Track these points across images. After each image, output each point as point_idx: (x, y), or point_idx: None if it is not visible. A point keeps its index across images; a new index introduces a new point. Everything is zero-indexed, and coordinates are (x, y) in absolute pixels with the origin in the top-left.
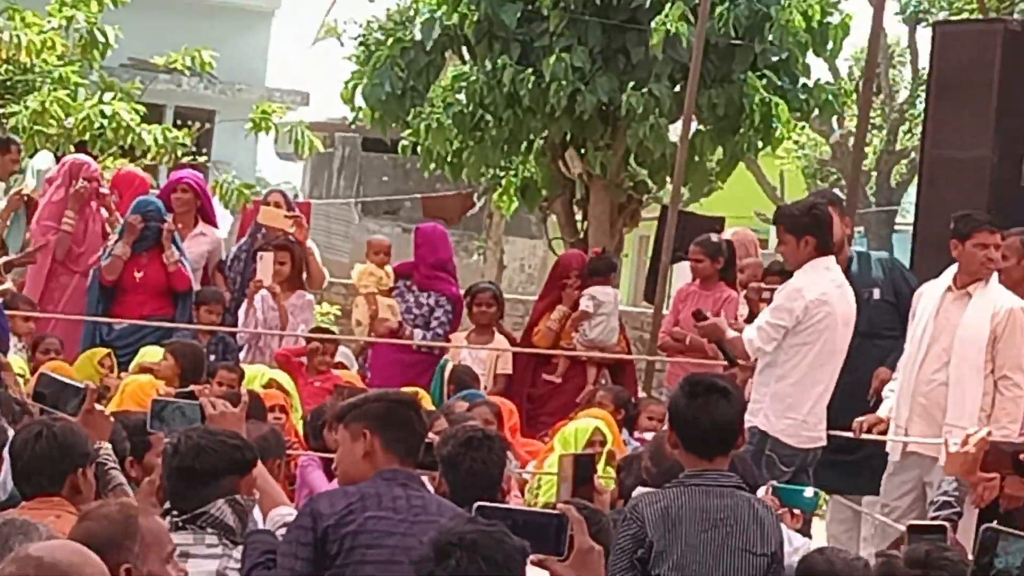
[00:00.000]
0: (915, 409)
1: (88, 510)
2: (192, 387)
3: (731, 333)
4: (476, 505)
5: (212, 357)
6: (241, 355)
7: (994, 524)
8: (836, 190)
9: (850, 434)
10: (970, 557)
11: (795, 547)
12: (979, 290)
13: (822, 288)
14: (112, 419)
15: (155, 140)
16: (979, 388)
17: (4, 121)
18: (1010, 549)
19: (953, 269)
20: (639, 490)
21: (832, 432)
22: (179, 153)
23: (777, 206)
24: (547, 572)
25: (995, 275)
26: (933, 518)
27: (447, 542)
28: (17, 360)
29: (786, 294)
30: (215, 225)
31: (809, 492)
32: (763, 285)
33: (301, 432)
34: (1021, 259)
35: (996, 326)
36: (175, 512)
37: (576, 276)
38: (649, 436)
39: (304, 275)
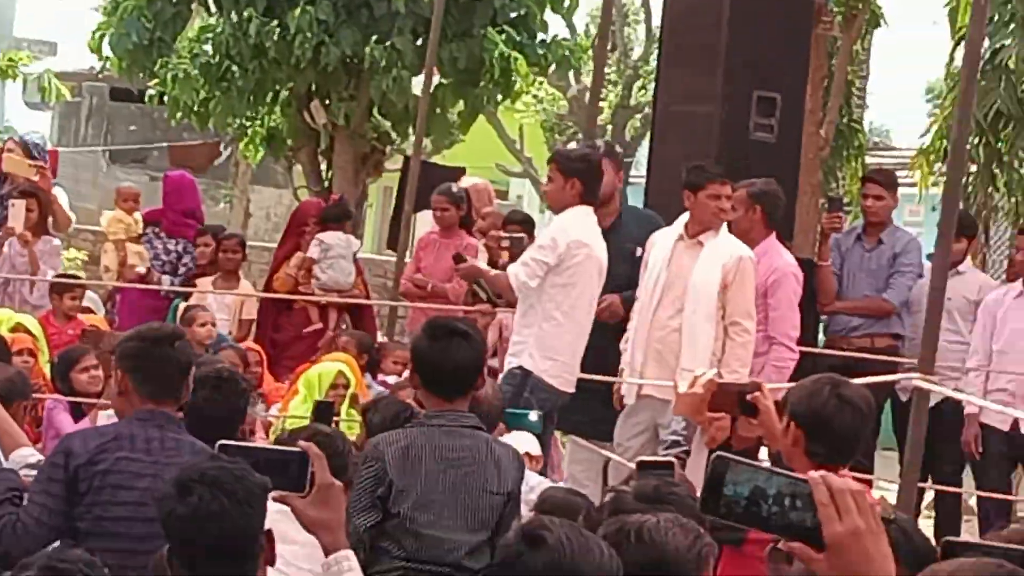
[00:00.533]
0: (650, 354)
1: None
2: None
3: (493, 275)
4: (218, 444)
5: None
6: None
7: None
8: (572, 143)
9: (601, 377)
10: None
11: (531, 486)
12: (710, 239)
13: (583, 231)
14: None
15: None
16: (711, 334)
17: None
18: (739, 478)
19: (684, 218)
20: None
21: (583, 376)
22: None
23: (555, 150)
24: (289, 508)
25: (725, 225)
26: (663, 455)
27: (188, 479)
28: None
29: (550, 233)
30: None
31: (534, 416)
32: (502, 233)
33: (49, 375)
34: (748, 210)
35: (727, 274)
36: None
37: (314, 224)
38: (392, 380)
39: (50, 220)
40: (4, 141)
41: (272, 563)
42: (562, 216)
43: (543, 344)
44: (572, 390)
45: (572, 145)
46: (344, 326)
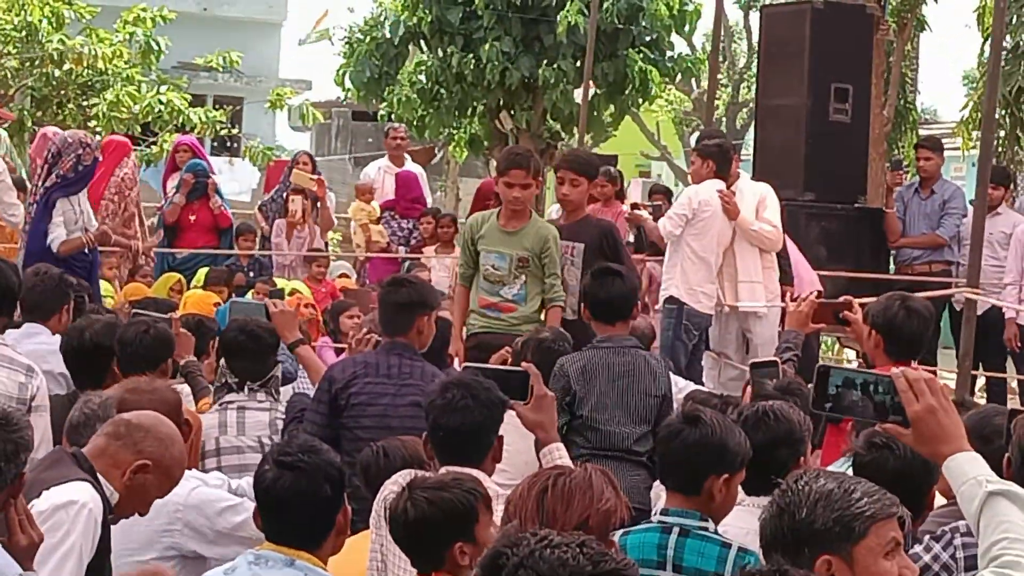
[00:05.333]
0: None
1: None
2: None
3: (652, 224)
4: (464, 365)
5: (251, 274)
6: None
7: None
8: (697, 133)
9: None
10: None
11: (680, 388)
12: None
13: (709, 194)
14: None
15: (200, 120)
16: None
17: (88, 110)
18: (838, 380)
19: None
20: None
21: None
22: (218, 128)
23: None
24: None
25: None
26: (779, 359)
27: (450, 382)
28: (104, 285)
29: (685, 195)
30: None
31: None
32: (647, 202)
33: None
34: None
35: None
36: (248, 381)
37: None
38: None
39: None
40: (294, 155)
41: (499, 460)
42: (696, 186)
43: (686, 279)
44: (712, 312)
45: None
46: None
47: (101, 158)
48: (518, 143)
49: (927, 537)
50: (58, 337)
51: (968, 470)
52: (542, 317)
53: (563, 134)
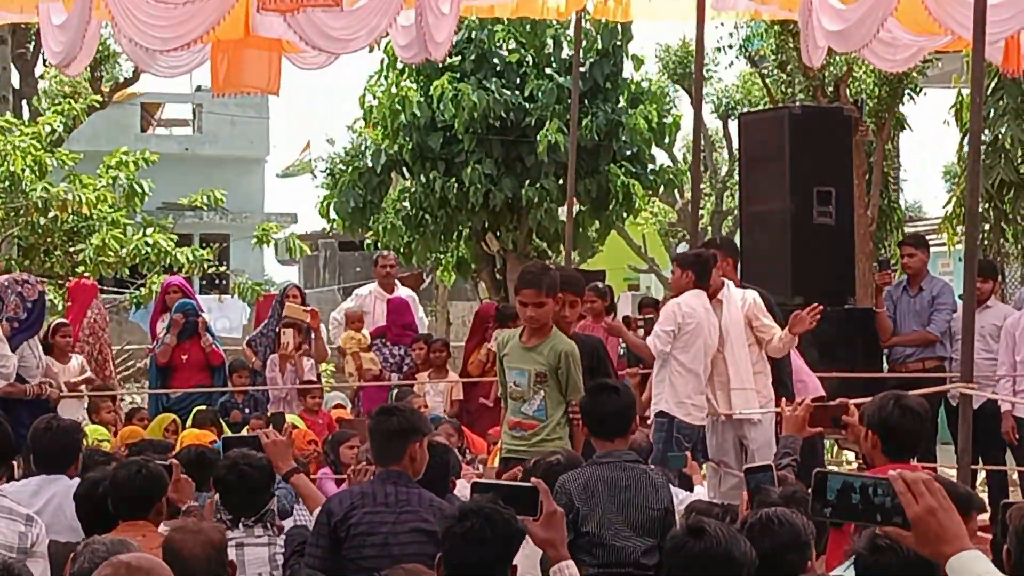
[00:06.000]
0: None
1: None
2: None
3: (635, 339)
4: (473, 482)
5: (247, 411)
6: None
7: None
8: (683, 244)
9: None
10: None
11: (680, 500)
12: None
13: (691, 306)
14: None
15: (187, 259)
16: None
17: (75, 256)
18: (835, 485)
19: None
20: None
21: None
22: (206, 267)
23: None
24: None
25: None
26: (778, 465)
27: (469, 509)
28: (99, 429)
29: (669, 309)
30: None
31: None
32: (638, 316)
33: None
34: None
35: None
36: (243, 517)
37: (493, 321)
38: None
39: (312, 349)
40: (283, 288)
41: None
42: (677, 298)
43: (675, 392)
44: (704, 423)
45: (683, 247)
46: None
47: (46, 292)
48: (505, 264)
49: None
50: (76, 481)
51: (972, 568)
52: (565, 433)
53: (550, 252)
